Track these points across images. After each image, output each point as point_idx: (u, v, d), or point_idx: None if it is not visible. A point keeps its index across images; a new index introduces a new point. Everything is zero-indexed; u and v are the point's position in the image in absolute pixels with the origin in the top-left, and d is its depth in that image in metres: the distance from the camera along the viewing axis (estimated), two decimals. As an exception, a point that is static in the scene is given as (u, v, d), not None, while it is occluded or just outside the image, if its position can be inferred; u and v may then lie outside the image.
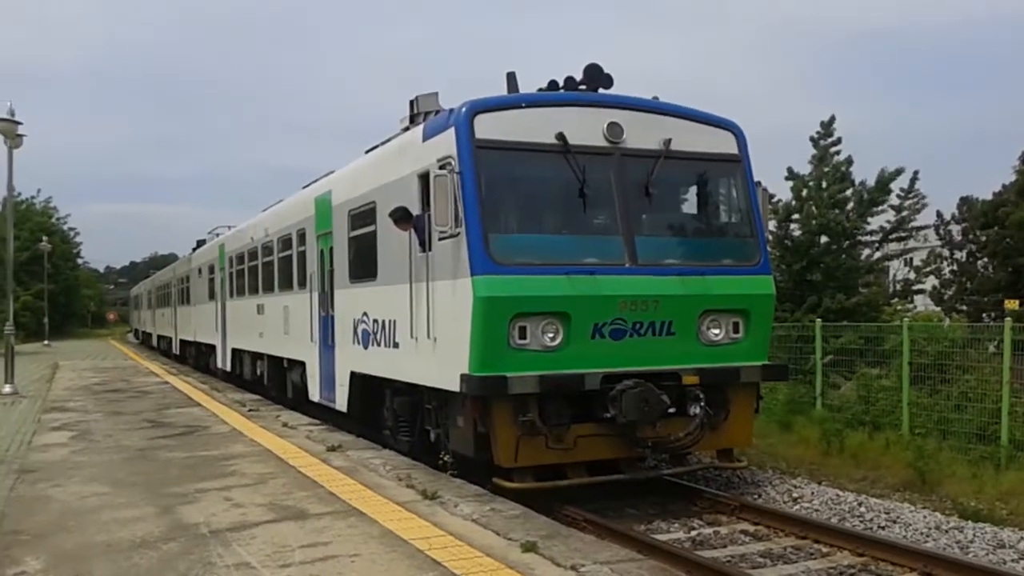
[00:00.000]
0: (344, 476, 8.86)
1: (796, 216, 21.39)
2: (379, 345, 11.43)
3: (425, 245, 9.85)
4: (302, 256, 15.34)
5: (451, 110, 9.74)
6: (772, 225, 22.35)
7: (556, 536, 6.47)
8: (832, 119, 21.65)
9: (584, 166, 9.49)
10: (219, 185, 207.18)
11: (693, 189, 10.75)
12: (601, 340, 9.28)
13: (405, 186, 10.50)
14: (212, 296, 24.73)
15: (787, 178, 21.94)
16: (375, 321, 11.60)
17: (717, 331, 9.94)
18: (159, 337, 41.93)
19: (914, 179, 21.18)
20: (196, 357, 29.02)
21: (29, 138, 20.32)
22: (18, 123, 19.49)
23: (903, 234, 21.95)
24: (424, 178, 9.91)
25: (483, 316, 8.81)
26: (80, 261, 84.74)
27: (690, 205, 10.88)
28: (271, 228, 17.82)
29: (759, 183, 10.65)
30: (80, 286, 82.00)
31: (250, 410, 15.03)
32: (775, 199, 22.38)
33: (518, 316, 8.96)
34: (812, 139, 21.71)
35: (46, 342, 50.18)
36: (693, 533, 8.99)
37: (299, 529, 6.77)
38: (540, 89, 10.28)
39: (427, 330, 9.88)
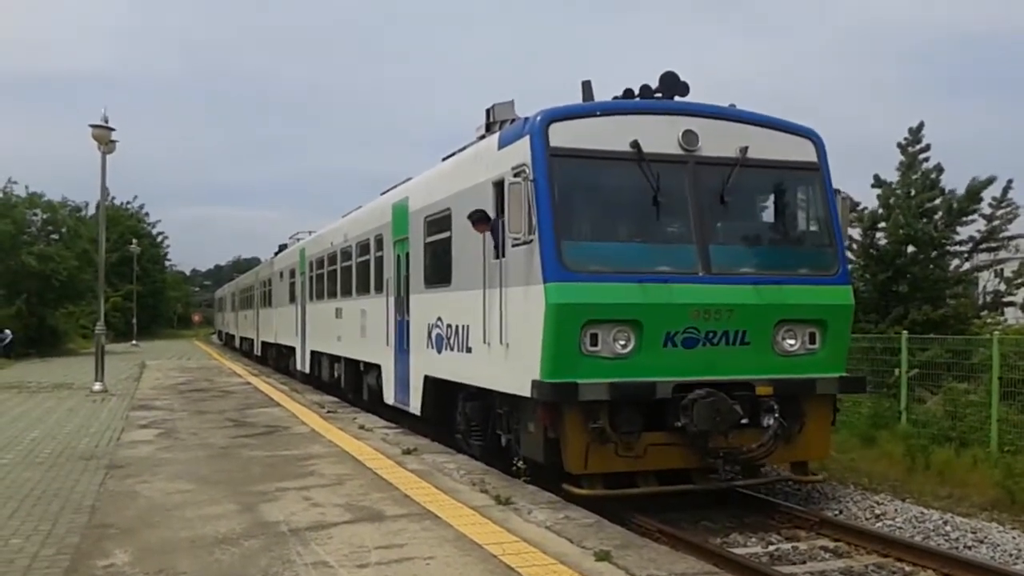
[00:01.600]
0: (419, 479, 8.94)
1: (882, 225, 20.84)
2: (452, 350, 11.62)
3: (499, 251, 10.01)
4: (379, 261, 15.65)
5: (526, 118, 9.83)
6: (856, 234, 21.86)
7: (630, 546, 6.42)
8: (921, 125, 21.03)
9: (658, 174, 9.45)
10: (304, 191, 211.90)
11: (770, 197, 10.62)
12: (673, 348, 9.23)
13: (480, 193, 10.60)
14: (292, 299, 25.33)
15: (874, 185, 21.41)
16: (449, 326, 11.80)
17: (793, 341, 9.79)
18: (241, 339, 43.00)
19: (1007, 188, 20.37)
20: (276, 359, 29.71)
21: (122, 143, 21.10)
22: (111, 129, 20.25)
23: (994, 244, 21.15)
24: (499, 186, 10.03)
25: (555, 323, 8.88)
26: (167, 264, 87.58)
27: (767, 214, 10.75)
28: (350, 233, 18.22)
29: (839, 192, 10.43)
30: (167, 288, 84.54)
31: (328, 412, 15.29)
32: (860, 207, 21.85)
33: (590, 323, 9.00)
34: (900, 145, 21.12)
35: (134, 342, 51.92)
36: (771, 548, 8.82)
37: (375, 530, 6.86)
38: (615, 97, 10.32)
39: (500, 336, 9.99)
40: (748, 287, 9.56)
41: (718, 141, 9.85)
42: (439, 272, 12.32)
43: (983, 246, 21.13)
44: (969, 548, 8.88)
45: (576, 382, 8.80)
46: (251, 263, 64.32)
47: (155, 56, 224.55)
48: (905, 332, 14.92)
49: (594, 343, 9.06)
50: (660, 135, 9.64)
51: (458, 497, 8.06)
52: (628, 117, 9.78)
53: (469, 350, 10.99)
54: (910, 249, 20.35)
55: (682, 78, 10.36)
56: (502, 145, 10.25)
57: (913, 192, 20.54)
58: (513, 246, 9.55)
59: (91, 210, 46.86)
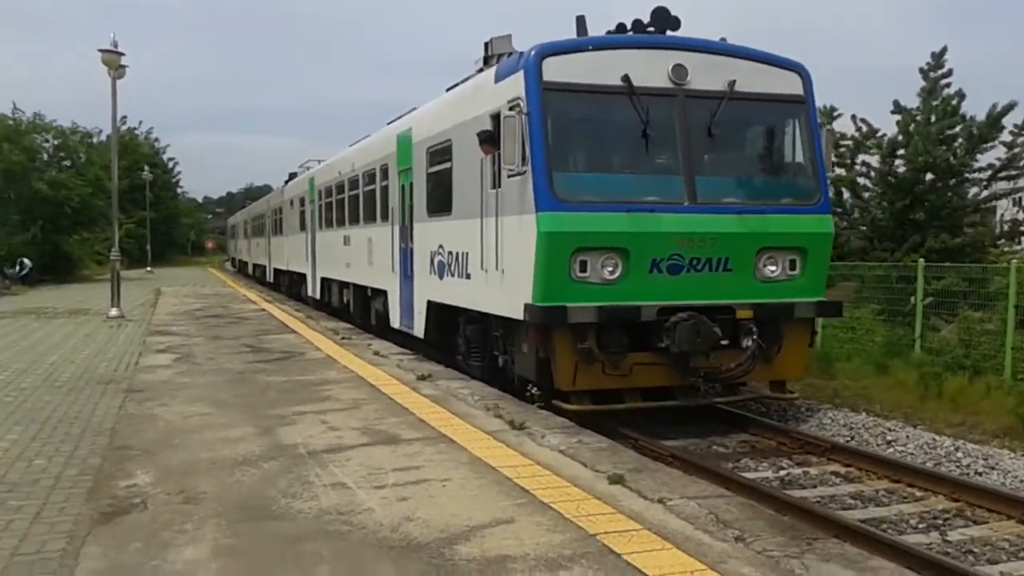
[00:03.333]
0: (433, 404, 9.03)
1: (901, 152, 20.55)
2: (453, 276, 12.11)
3: (496, 182, 10.42)
4: (385, 190, 16.04)
5: (521, 53, 10.13)
6: (875, 161, 21.65)
7: (643, 470, 6.48)
8: (944, 50, 20.55)
9: (648, 107, 9.81)
10: (316, 118, 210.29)
11: (756, 130, 11.03)
12: (659, 275, 9.74)
13: (479, 125, 10.84)
14: (303, 227, 25.78)
15: (893, 111, 21.05)
16: (450, 253, 12.26)
17: (774, 268, 10.28)
18: (254, 266, 43.48)
19: (1030, 114, 20.04)
20: (288, 285, 30.18)
21: (133, 69, 20.90)
22: (121, 54, 20.06)
23: (1014, 172, 20.87)
24: (496, 118, 10.29)
25: (546, 250, 9.38)
26: (180, 191, 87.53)
27: (753, 146, 11.15)
28: (357, 163, 18.52)
29: (824, 124, 10.55)
30: (180, 215, 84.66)
31: (343, 338, 15.39)
32: (879, 133, 21.57)
33: (579, 250, 9.49)
34: (921, 71, 20.70)
35: (149, 268, 52.24)
36: (782, 473, 8.93)
37: (392, 453, 6.94)
38: (609, 32, 10.59)
39: (496, 262, 10.50)
40: (731, 216, 10.02)
41: (707, 75, 10.17)
42: (441, 201, 12.70)
43: (1002, 174, 20.85)
44: (980, 474, 8.94)
45: (565, 306, 9.38)
46: (263, 190, 64.17)
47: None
48: (921, 260, 14.82)
49: (583, 269, 9.57)
50: (650, 69, 9.96)
51: (472, 422, 8.13)
52: (619, 52, 10.07)
53: (468, 276, 11.48)
54: (928, 177, 20.09)
55: (675, 12, 10.54)
56: (499, 79, 10.56)
57: (934, 118, 20.20)
58: (508, 177, 9.93)
59: (103, 137, 46.70)
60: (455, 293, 12.13)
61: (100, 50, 19.81)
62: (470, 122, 11.28)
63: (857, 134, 23.47)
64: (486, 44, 11.89)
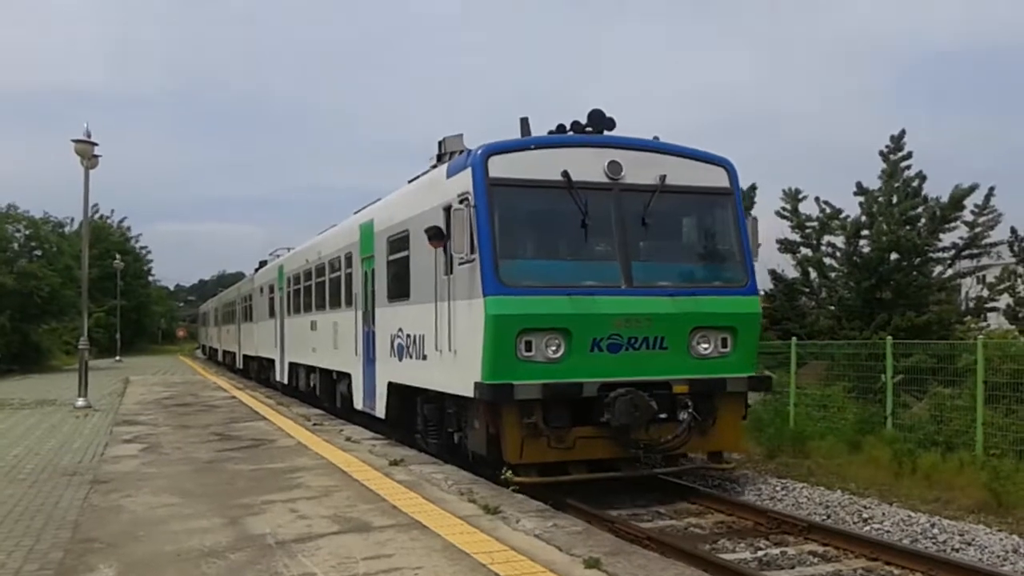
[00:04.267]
0: (406, 490, 8.89)
1: (865, 232, 20.98)
2: (411, 357, 12.75)
3: (448, 269, 11.10)
4: (349, 277, 16.74)
5: (469, 151, 10.98)
6: (840, 241, 22.08)
7: (619, 553, 6.40)
8: (902, 133, 21.23)
9: (586, 200, 10.61)
10: (287, 206, 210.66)
11: (687, 219, 11.94)
12: (599, 353, 10.37)
13: (433, 216, 11.61)
14: (272, 313, 26.19)
15: (856, 193, 21.58)
16: (408, 336, 12.91)
17: (707, 346, 10.96)
18: (224, 352, 43.51)
19: (989, 195, 20.57)
20: (258, 371, 30.47)
21: (105, 159, 21.00)
22: (94, 144, 20.15)
23: (976, 251, 21.32)
24: (448, 210, 11.01)
25: (493, 331, 10.04)
26: (151, 279, 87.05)
27: (684, 233, 12.03)
28: (323, 251, 19.21)
29: (749, 213, 11.60)
30: (151, 303, 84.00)
31: (315, 424, 15.21)
32: (843, 215, 22.05)
33: (524, 331, 10.15)
34: (882, 153, 21.31)
35: (118, 358, 51.54)
36: (760, 553, 8.82)
37: (363, 541, 6.81)
38: (550, 131, 11.50)
39: (448, 343, 11.15)
40: (666, 298, 10.74)
41: (640, 170, 11.03)
42: (399, 287, 13.39)
43: (965, 252, 21.30)
44: (957, 550, 8.90)
45: (512, 383, 9.98)
46: (236, 277, 64.02)
47: (138, 74, 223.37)
48: (889, 338, 14.99)
49: (528, 349, 10.20)
50: (588, 165, 10.81)
51: (446, 507, 8.02)
52: (559, 150, 10.93)
53: (425, 357, 12.10)
54: (893, 256, 20.49)
55: (609, 114, 11.44)
56: (450, 175, 11.36)
57: (896, 200, 20.70)
58: (459, 264, 10.67)
59: (75, 226, 46.59)
60: (413, 374, 12.68)
61: (73, 140, 19.92)
62: (426, 213, 12.00)
63: (822, 215, 23.97)
64: (440, 142, 12.63)
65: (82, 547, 6.83)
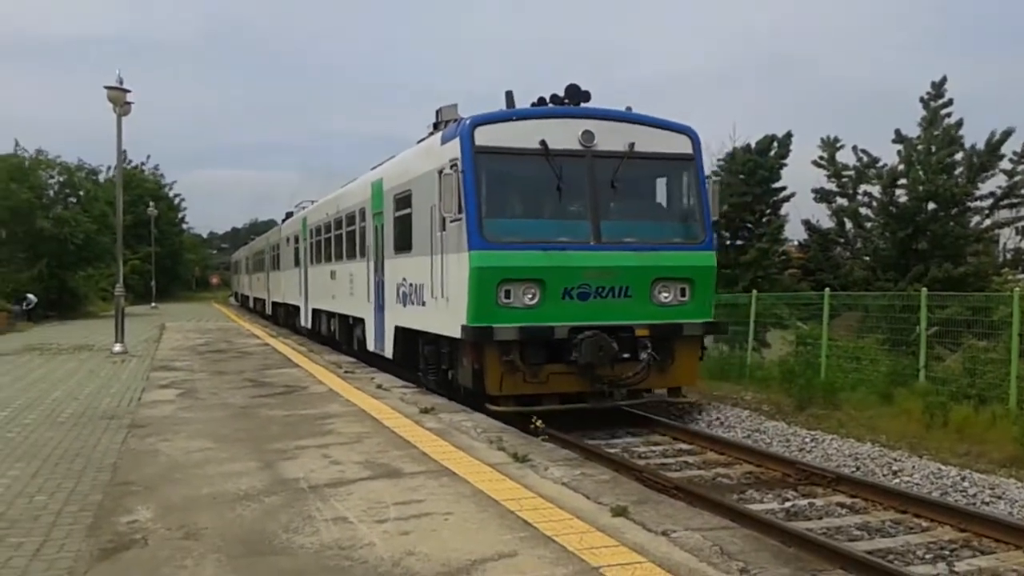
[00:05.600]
0: (436, 437, 8.99)
1: (902, 181, 20.62)
2: (413, 304, 14.26)
3: (442, 225, 12.39)
4: (363, 230, 18.26)
5: (459, 121, 12.33)
6: (876, 190, 21.72)
7: (647, 502, 6.44)
8: (943, 80, 20.75)
9: (562, 166, 11.99)
10: (317, 152, 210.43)
11: (652, 182, 13.21)
12: (570, 301, 11.80)
13: (429, 178, 13.11)
14: (297, 263, 27.85)
15: (894, 141, 21.17)
16: (410, 284, 14.37)
17: (667, 295, 12.34)
18: (255, 299, 45.14)
19: (1029, 141, 20.12)
20: (285, 317, 32.28)
21: (139, 106, 21.08)
22: (126, 91, 20.20)
23: (1015, 200, 20.93)
24: (441, 173, 12.27)
25: (477, 281, 11.56)
26: (185, 226, 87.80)
27: (649, 195, 13.32)
28: (341, 205, 20.70)
29: (710, 176, 12.93)
30: (185, 250, 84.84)
31: (346, 372, 15.37)
32: (880, 164, 21.67)
33: (504, 281, 11.62)
34: (922, 100, 20.86)
35: (153, 304, 52.28)
36: (787, 504, 8.86)
37: (393, 487, 6.90)
38: (532, 104, 12.81)
39: (441, 291, 12.66)
40: (630, 252, 12.15)
41: (611, 138, 12.32)
42: (403, 240, 14.84)
43: (1004, 202, 20.91)
44: (987, 504, 8.88)
45: (492, 326, 11.52)
46: (268, 225, 64.34)
47: (171, 20, 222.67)
48: (924, 289, 14.80)
49: (508, 297, 11.67)
50: (564, 134, 12.14)
51: (475, 455, 8.10)
52: (538, 121, 12.25)
53: (424, 304, 13.61)
54: (930, 206, 20.16)
55: (585, 87, 12.68)
56: (443, 142, 12.71)
57: (934, 148, 20.29)
58: (450, 222, 12.03)
59: (108, 173, 46.97)
60: (415, 318, 14.25)
61: (106, 87, 19.97)
62: (424, 175, 13.55)
63: (859, 164, 23.57)
64: (437, 111, 13.87)
65: (120, 490, 6.99)
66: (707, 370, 17.77)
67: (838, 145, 23.89)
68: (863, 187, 23.10)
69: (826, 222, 26.13)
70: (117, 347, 20.02)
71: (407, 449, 8.40)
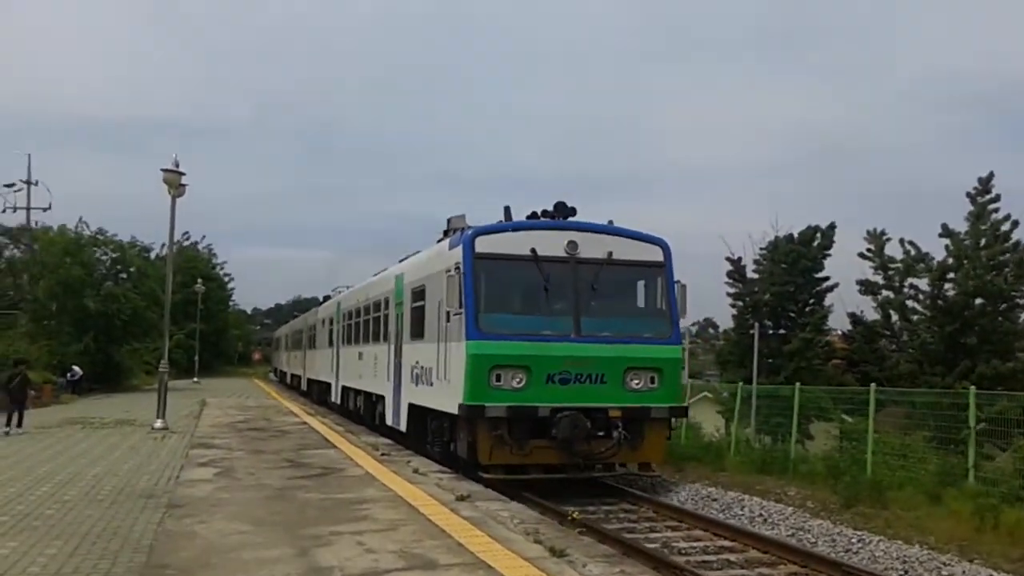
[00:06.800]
0: (472, 527, 8.88)
1: (951, 276, 20.42)
2: (424, 384, 16.01)
3: (448, 318, 14.15)
4: (386, 318, 20.33)
5: (463, 231, 14.55)
6: (924, 284, 21.52)
7: (687, 604, 6.27)
8: (991, 175, 20.72)
9: (549, 270, 13.98)
10: (356, 233, 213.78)
11: (627, 285, 15.00)
12: (552, 385, 13.52)
13: (439, 277, 14.89)
14: (331, 343, 30.21)
15: (941, 235, 21.06)
16: (422, 367, 16.12)
17: (638, 382, 13.96)
18: (292, 375, 47.81)
19: (1080, 239, 19.87)
20: (318, 393, 34.29)
21: (194, 184, 21.66)
22: (181, 173, 20.76)
23: (1066, 297, 20.57)
24: (447, 274, 14.09)
25: (472, 366, 13.44)
26: (231, 303, 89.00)
27: (624, 296, 15.06)
28: (370, 294, 22.88)
29: (679, 281, 14.64)
30: (230, 327, 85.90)
31: (383, 454, 15.33)
32: (928, 257, 21.53)
33: (496, 367, 13.43)
34: (969, 195, 20.78)
35: (195, 379, 52.80)
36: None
37: (428, 579, 6.80)
38: (527, 217, 14.92)
39: (444, 373, 14.48)
40: (606, 345, 13.87)
41: (592, 247, 14.25)
42: (418, 328, 16.75)
43: (1055, 299, 20.55)
44: (1044, 616, 8.49)
45: (484, 404, 13.26)
46: (310, 302, 65.21)
47: (225, 106, 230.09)
48: (973, 388, 14.48)
49: (498, 380, 13.44)
50: (551, 244, 14.12)
51: (512, 547, 7.98)
52: (530, 232, 14.30)
53: (431, 384, 15.37)
54: (978, 301, 19.88)
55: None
56: (451, 248, 14.80)
57: (983, 243, 20.11)
58: (453, 315, 13.89)
59: (160, 250, 48.08)
60: (424, 397, 15.97)
61: (162, 169, 20.56)
62: (435, 274, 15.43)
63: (906, 257, 23.40)
64: (448, 220, 16.14)
65: (156, 572, 6.98)
66: (749, 463, 17.48)
67: (885, 238, 23.78)
68: (910, 280, 22.89)
69: (870, 314, 25.82)
70: (158, 423, 20.17)
71: (442, 539, 8.30)
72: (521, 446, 13.40)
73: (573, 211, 14.90)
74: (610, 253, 14.27)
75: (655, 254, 14.73)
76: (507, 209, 15.07)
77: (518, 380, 13.40)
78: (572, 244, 14.13)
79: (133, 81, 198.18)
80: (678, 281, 14.75)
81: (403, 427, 17.74)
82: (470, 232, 14.18)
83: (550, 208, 14.96)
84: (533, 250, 13.91)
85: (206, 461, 14.19)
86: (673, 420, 14.72)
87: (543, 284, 13.93)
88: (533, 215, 14.98)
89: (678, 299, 14.50)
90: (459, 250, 14.09)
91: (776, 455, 17.88)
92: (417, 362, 16.47)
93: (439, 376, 14.74)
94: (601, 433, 13.57)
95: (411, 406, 16.97)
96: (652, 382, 13.97)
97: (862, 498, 13.78)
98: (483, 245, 13.98)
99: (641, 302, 15.06)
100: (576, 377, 13.53)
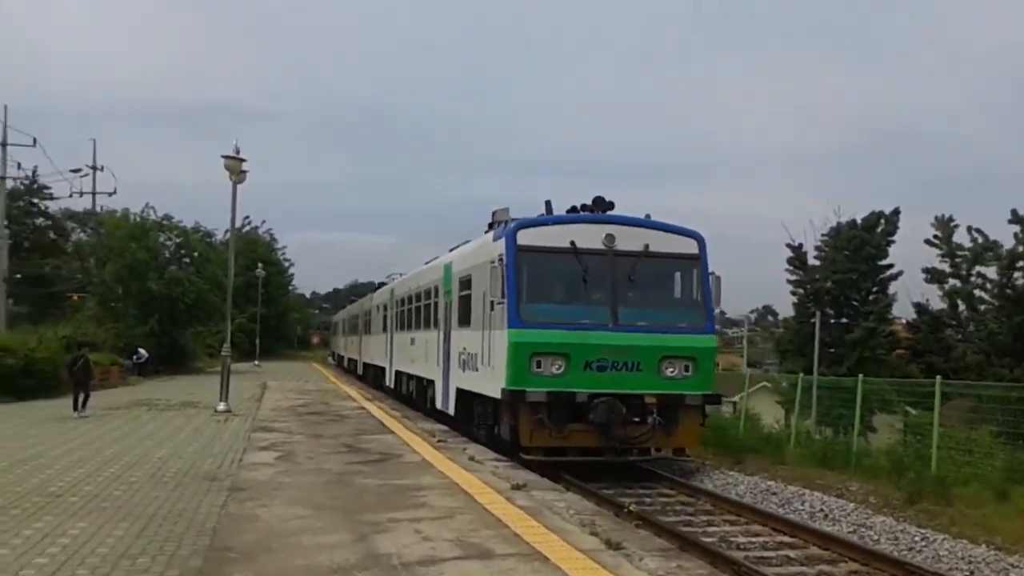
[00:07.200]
0: (528, 517, 8.87)
1: (1021, 264, 19.82)
2: (470, 370, 16.86)
3: (492, 306, 14.89)
4: (436, 305, 21.23)
5: (506, 224, 15.21)
6: (992, 272, 20.95)
7: (746, 601, 6.20)
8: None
9: (587, 262, 14.67)
10: (423, 218, 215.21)
11: (663, 277, 15.63)
12: (591, 372, 14.22)
13: (484, 268, 15.54)
14: (384, 329, 31.50)
15: (1011, 221, 20.45)
16: (469, 353, 16.95)
17: (672, 370, 14.57)
18: (348, 360, 49.60)
19: None
20: (373, 377, 35.83)
21: (253, 172, 21.94)
22: (242, 160, 21.08)
23: None
24: (491, 265, 14.80)
25: (514, 353, 14.22)
26: (291, 288, 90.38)
27: (660, 288, 15.70)
28: (421, 282, 23.84)
29: (713, 273, 15.14)
30: (289, 311, 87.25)
31: (439, 441, 15.41)
32: (997, 245, 20.96)
33: (536, 354, 14.20)
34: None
35: (256, 362, 53.80)
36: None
37: (485, 569, 6.82)
38: (567, 210, 15.76)
39: (488, 360, 15.33)
40: (642, 334, 14.49)
41: (629, 240, 14.90)
42: (465, 316, 17.53)
43: None
44: (1118, 621, 8.22)
45: (526, 390, 14.08)
46: (366, 287, 65.84)
47: (290, 93, 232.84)
48: (1045, 381, 14.05)
49: (539, 366, 14.23)
50: (590, 237, 14.78)
51: (568, 538, 7.95)
52: (570, 226, 14.99)
53: (477, 370, 16.25)
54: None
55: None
56: (495, 240, 15.52)
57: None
58: (496, 304, 14.65)
59: (225, 236, 48.94)
60: (471, 381, 16.80)
61: (223, 156, 20.90)
62: (480, 264, 16.13)
63: (974, 244, 22.76)
64: (493, 213, 16.64)
65: (219, 555, 7.11)
66: (810, 456, 17.21)
67: (953, 225, 23.16)
68: (978, 268, 22.27)
69: (935, 303, 25.21)
70: (221, 406, 20.59)
71: (499, 528, 8.32)
72: (560, 429, 14.12)
73: (611, 205, 15.54)
74: (646, 246, 14.88)
75: (690, 247, 15.29)
76: (548, 203, 15.89)
77: (557, 367, 14.14)
78: (610, 237, 14.76)
79: (196, 67, 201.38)
80: (712, 273, 15.23)
81: (452, 411, 18.50)
82: (513, 225, 14.93)
83: (589, 203, 15.64)
84: (572, 243, 14.60)
85: (267, 445, 14.43)
86: (707, 407, 15.30)
87: (582, 275, 14.63)
88: (573, 209, 15.73)
89: (712, 290, 15.01)
90: (502, 242, 14.86)
91: (838, 448, 17.57)
92: (464, 348, 17.27)
93: (484, 362, 15.56)
94: (637, 419, 14.22)
95: (459, 391, 17.78)
96: (686, 370, 14.58)
97: (926, 494, 13.47)
98: (525, 238, 14.68)
99: (676, 293, 15.74)
100: (613, 364, 14.21)
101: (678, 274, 15.60)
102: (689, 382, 14.53)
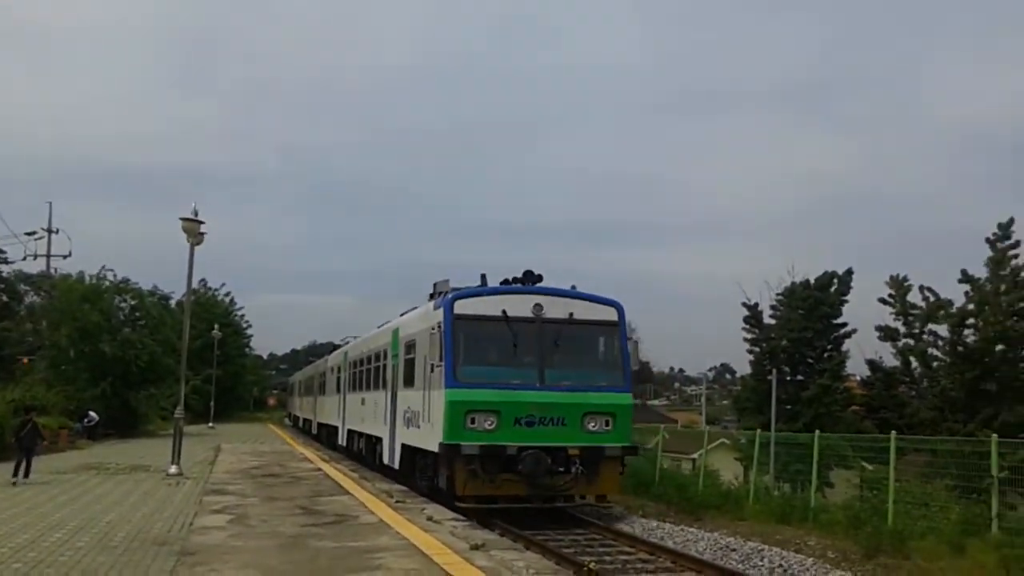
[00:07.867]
0: (487, 577, 8.74)
1: (971, 321, 20.26)
2: (413, 426, 18.21)
3: (432, 368, 16.61)
4: (384, 367, 22.60)
5: (444, 295, 16.89)
6: (943, 330, 21.33)
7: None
8: (1011, 221, 20.66)
9: (517, 329, 16.31)
10: (381, 278, 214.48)
11: (586, 341, 17.24)
12: (520, 427, 15.74)
13: (425, 334, 17.44)
14: (338, 390, 32.46)
15: (961, 280, 20.94)
16: (412, 412, 18.39)
17: (594, 424, 16.16)
18: (304, 420, 50.47)
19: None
20: (327, 436, 36.37)
21: (215, 232, 21.80)
22: (200, 222, 20.92)
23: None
24: (431, 331, 16.66)
25: (450, 411, 15.70)
26: (248, 350, 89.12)
27: (583, 351, 17.26)
28: (372, 346, 25.34)
29: (631, 338, 17.48)
30: (246, 373, 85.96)
31: (397, 501, 15.20)
32: (948, 303, 21.41)
33: (470, 411, 15.69)
34: (988, 240, 20.67)
35: (210, 424, 52.73)
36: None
37: (441, 630, 6.69)
38: (501, 282, 17.46)
39: (428, 417, 16.83)
40: (567, 392, 16.16)
41: (555, 309, 16.65)
42: (409, 377, 19.08)
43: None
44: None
45: (460, 443, 15.52)
46: (325, 348, 65.34)
47: (252, 155, 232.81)
48: (995, 436, 14.26)
49: (472, 422, 15.67)
50: (520, 306, 16.49)
51: (526, 597, 7.84)
52: (502, 296, 16.71)
53: (419, 426, 17.66)
54: (999, 348, 19.67)
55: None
56: (435, 308, 17.16)
57: (1003, 289, 19.96)
58: (435, 366, 16.35)
59: (181, 297, 48.29)
60: (414, 437, 18.18)
61: (181, 218, 20.71)
62: (423, 331, 17.89)
63: (926, 303, 23.22)
64: (434, 284, 18.42)
65: (166, 621, 6.89)
66: (768, 512, 17.24)
67: (907, 284, 23.67)
68: (930, 326, 22.69)
69: (888, 360, 25.59)
70: (173, 468, 20.09)
71: (456, 589, 8.17)
72: (492, 479, 15.56)
73: (540, 278, 17.39)
74: (571, 314, 16.66)
75: (610, 314, 17.05)
76: (483, 276, 17.74)
77: (490, 423, 15.63)
78: (538, 306, 16.49)
79: (159, 135, 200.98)
80: (630, 338, 17.43)
81: (397, 465, 19.94)
82: (451, 296, 16.62)
83: (520, 276, 17.51)
84: (504, 311, 16.28)
85: (220, 508, 14.10)
86: (626, 458, 16.83)
87: (513, 340, 16.25)
88: (505, 281, 17.48)
89: (631, 354, 17.01)
90: (440, 312, 16.53)
91: (796, 503, 17.62)
92: (408, 407, 18.77)
93: (424, 419, 17.08)
94: (562, 469, 15.76)
95: (403, 446, 19.22)
96: (607, 424, 16.17)
97: (884, 548, 13.53)
98: (461, 307, 16.33)
99: (598, 356, 17.33)
100: (540, 420, 15.75)
101: (600, 339, 17.20)
102: (609, 435, 16.09)
